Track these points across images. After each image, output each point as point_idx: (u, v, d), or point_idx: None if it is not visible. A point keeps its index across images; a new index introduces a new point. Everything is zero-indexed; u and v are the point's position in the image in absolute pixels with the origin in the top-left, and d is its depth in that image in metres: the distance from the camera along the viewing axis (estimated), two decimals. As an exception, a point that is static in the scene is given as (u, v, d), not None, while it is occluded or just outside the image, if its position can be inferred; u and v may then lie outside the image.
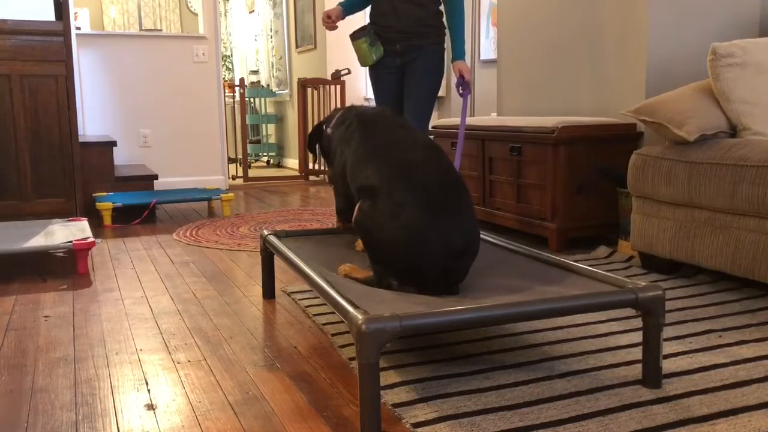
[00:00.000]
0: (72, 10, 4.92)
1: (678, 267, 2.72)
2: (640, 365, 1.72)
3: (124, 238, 3.73)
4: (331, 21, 3.15)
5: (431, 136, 4.09)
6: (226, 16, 10.28)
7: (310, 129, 6.49)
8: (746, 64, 2.53)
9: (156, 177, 4.67)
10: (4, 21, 3.69)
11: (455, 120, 3.84)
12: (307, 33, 7.22)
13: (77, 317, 2.30)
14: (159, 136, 5.59)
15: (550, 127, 3.10)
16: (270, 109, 8.55)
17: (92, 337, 2.10)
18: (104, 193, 4.37)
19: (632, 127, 3.22)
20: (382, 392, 1.62)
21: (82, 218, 3.50)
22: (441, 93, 6.35)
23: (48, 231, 3.15)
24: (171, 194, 4.46)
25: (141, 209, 4.26)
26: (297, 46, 7.58)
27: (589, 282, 1.77)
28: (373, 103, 4.32)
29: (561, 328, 2.08)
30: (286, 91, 7.90)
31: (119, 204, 4.09)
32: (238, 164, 7.21)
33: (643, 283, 1.63)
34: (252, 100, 8.38)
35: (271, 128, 8.48)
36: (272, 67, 8.44)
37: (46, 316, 2.32)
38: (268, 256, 2.43)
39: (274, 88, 8.33)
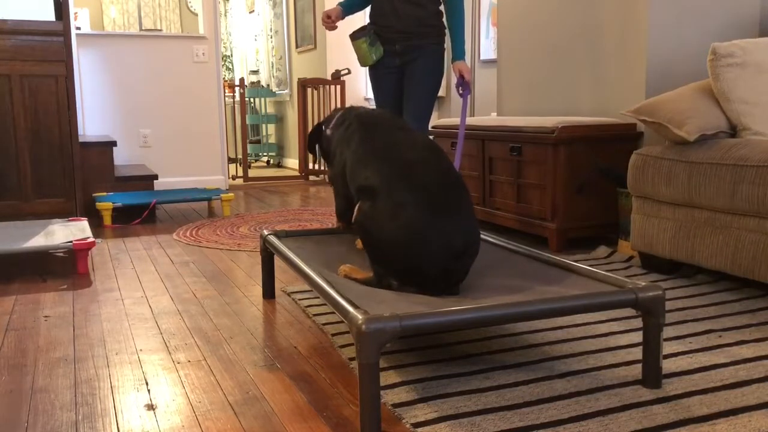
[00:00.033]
0: (72, 10, 4.92)
1: (678, 267, 2.72)
2: (640, 365, 1.72)
3: (124, 238, 3.73)
4: (330, 21, 3.15)
5: (431, 137, 4.09)
6: (226, 16, 10.29)
7: (310, 129, 6.50)
8: (746, 64, 2.53)
9: (156, 177, 4.67)
10: (4, 21, 3.69)
11: (455, 120, 3.84)
12: (307, 33, 7.22)
13: (77, 317, 2.30)
14: (159, 136, 5.59)
15: (550, 127, 3.10)
16: (270, 109, 8.55)
17: (92, 337, 2.10)
18: (104, 193, 4.37)
19: (632, 127, 3.22)
20: (382, 392, 1.62)
21: (82, 218, 3.50)
22: (441, 93, 6.35)
23: (48, 231, 3.15)
24: (171, 194, 4.46)
25: (141, 209, 4.26)
26: (297, 46, 7.58)
27: (589, 282, 1.77)
28: (373, 103, 4.32)
29: (561, 328, 2.08)
30: (286, 91, 7.90)
31: (119, 204, 4.09)
32: (238, 164, 7.21)
33: (643, 283, 1.63)
34: (252, 100, 8.38)
35: (271, 128, 8.48)
36: (272, 67, 8.44)
37: (46, 316, 2.32)
38: (268, 256, 2.43)
39: (274, 88, 8.33)
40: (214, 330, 2.15)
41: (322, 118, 6.43)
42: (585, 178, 3.14)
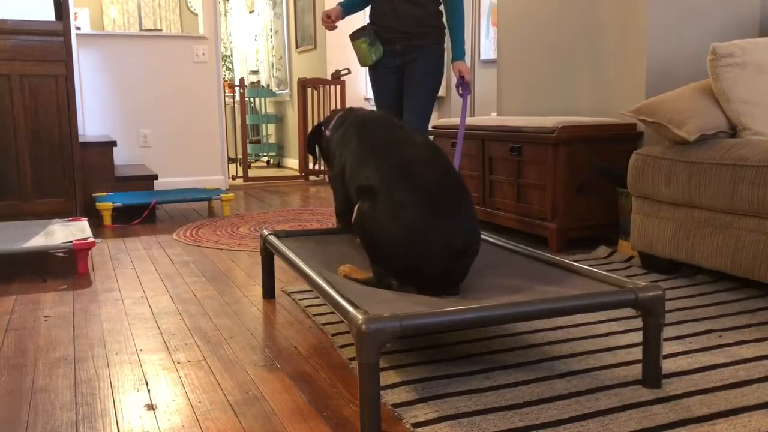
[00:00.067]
0: (72, 10, 4.92)
1: (678, 267, 2.72)
2: (640, 365, 1.72)
3: (124, 238, 3.73)
4: (330, 21, 3.15)
5: (431, 136, 4.09)
6: (226, 16, 10.29)
7: (310, 129, 6.50)
8: (746, 64, 2.53)
9: (156, 177, 4.67)
10: (4, 21, 3.69)
11: (455, 120, 3.84)
12: (307, 33, 7.22)
13: (77, 317, 2.30)
14: (159, 136, 5.59)
15: (550, 127, 3.10)
16: (270, 109, 8.55)
17: (92, 337, 2.10)
18: (104, 193, 4.37)
19: (632, 127, 3.22)
20: (382, 392, 1.62)
21: (82, 218, 3.50)
22: (441, 93, 6.35)
23: (48, 231, 3.15)
24: (171, 194, 4.46)
25: (141, 209, 4.26)
26: (297, 46, 7.58)
27: (589, 282, 1.77)
28: (372, 103, 4.32)
29: (561, 328, 2.08)
30: (286, 91, 7.90)
31: (119, 204, 4.09)
32: (238, 164, 7.21)
33: (643, 283, 1.63)
34: (252, 100, 8.38)
35: (271, 128, 8.48)
36: (272, 67, 8.44)
37: (46, 316, 2.32)
38: (268, 256, 2.43)
39: (274, 88, 8.33)
40: (214, 330, 2.15)
41: (322, 119, 6.45)
42: (585, 178, 3.14)
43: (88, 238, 2.95)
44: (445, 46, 3.22)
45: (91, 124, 5.41)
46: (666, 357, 1.81)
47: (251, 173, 6.75)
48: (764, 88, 2.51)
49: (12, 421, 1.53)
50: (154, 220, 4.31)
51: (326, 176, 6.25)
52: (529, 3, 4.01)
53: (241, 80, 6.54)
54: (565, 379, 1.68)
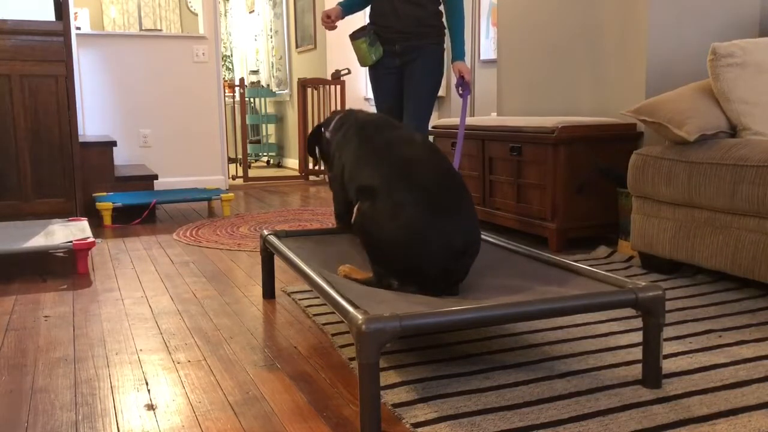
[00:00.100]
0: (72, 10, 4.92)
1: (678, 267, 2.72)
2: (640, 365, 1.72)
3: (124, 238, 3.73)
4: (330, 21, 3.15)
5: (431, 137, 4.09)
6: (226, 16, 10.29)
7: (310, 129, 6.51)
8: (746, 64, 2.53)
9: (156, 177, 4.67)
10: (4, 21, 3.69)
11: (455, 120, 3.84)
12: (307, 33, 7.22)
13: (77, 317, 2.30)
14: (159, 136, 5.59)
15: (550, 127, 3.10)
16: (270, 109, 8.55)
17: (92, 337, 2.10)
18: (104, 193, 4.37)
19: (632, 127, 3.22)
20: (382, 392, 1.62)
21: (82, 218, 3.50)
22: (441, 93, 6.35)
23: (48, 231, 3.15)
24: (171, 194, 4.46)
25: (141, 209, 4.27)
26: (297, 46, 7.58)
27: (589, 282, 1.77)
28: (372, 103, 4.32)
29: (561, 328, 2.08)
30: (286, 91, 7.90)
31: (119, 204, 4.09)
32: (238, 164, 7.21)
33: (643, 283, 1.63)
34: (252, 100, 8.38)
35: (271, 128, 8.48)
36: (272, 67, 8.44)
37: (46, 316, 2.32)
38: (268, 256, 2.43)
39: (274, 88, 8.33)
40: (214, 330, 2.15)
41: (322, 119, 6.46)
42: (585, 178, 3.14)
43: (88, 238, 2.95)
44: (445, 46, 3.22)
45: (91, 124, 5.41)
46: (666, 357, 1.81)
47: (251, 173, 6.75)
48: (764, 88, 2.51)
49: (12, 421, 1.53)
50: (154, 220, 4.31)
51: (326, 177, 6.25)
52: (529, 3, 4.01)
53: (241, 80, 6.54)
54: (565, 379, 1.68)
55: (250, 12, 9.24)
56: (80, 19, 8.16)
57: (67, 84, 3.84)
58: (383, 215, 1.78)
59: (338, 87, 6.38)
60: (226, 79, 9.74)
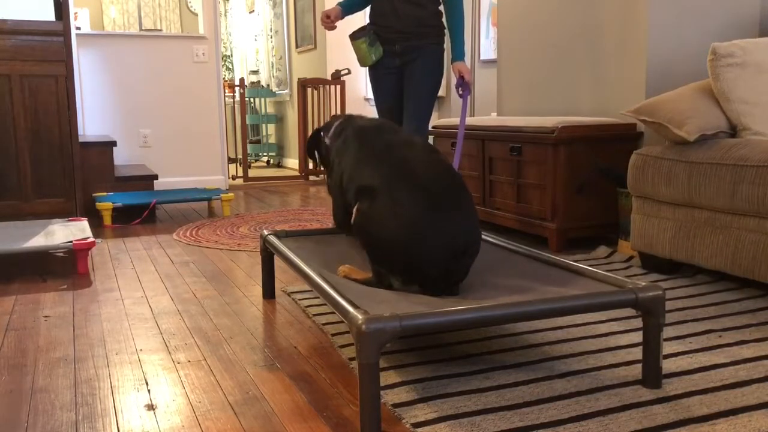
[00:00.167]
0: (72, 10, 4.92)
1: (678, 267, 2.72)
2: (640, 365, 1.72)
3: (124, 238, 3.73)
4: (330, 21, 3.15)
5: (431, 137, 4.09)
6: (226, 16, 10.29)
7: (310, 129, 6.51)
8: (746, 64, 2.53)
9: (156, 177, 4.67)
10: (4, 21, 3.69)
11: (455, 120, 3.84)
12: (307, 33, 7.22)
13: (77, 317, 2.30)
14: (159, 136, 5.59)
15: (550, 127, 3.10)
16: (270, 109, 8.55)
17: (92, 337, 2.10)
18: (104, 193, 4.38)
19: (632, 127, 3.22)
20: (382, 392, 1.62)
21: (82, 218, 3.50)
22: (441, 93, 6.35)
23: (48, 231, 3.15)
24: (171, 194, 4.46)
25: (141, 209, 4.27)
26: (297, 46, 7.58)
27: (589, 282, 1.77)
28: (372, 104, 4.32)
29: (561, 328, 2.08)
30: (286, 91, 7.90)
31: (119, 204, 4.09)
32: (238, 164, 7.21)
33: (643, 283, 1.63)
34: (252, 100, 8.38)
35: (271, 128, 8.48)
36: (272, 67, 8.44)
37: (46, 316, 2.32)
38: (268, 256, 2.43)
39: (274, 88, 8.33)
40: (214, 330, 2.15)
41: (322, 119, 6.46)
42: (585, 178, 3.14)
43: (88, 238, 2.95)
44: (445, 46, 3.22)
45: (91, 124, 5.41)
46: (666, 357, 1.81)
47: (251, 173, 6.75)
48: (764, 88, 2.51)
49: (12, 421, 1.53)
50: (154, 220, 4.31)
51: (326, 182, 6.25)
52: (529, 3, 4.01)
53: (241, 80, 6.54)
54: (565, 379, 1.68)
55: (250, 12, 9.25)
56: (80, 19, 8.16)
57: (67, 84, 3.84)
58: (383, 215, 1.78)
59: (338, 87, 6.38)
60: (226, 79, 9.74)
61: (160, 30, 9.08)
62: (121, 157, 5.39)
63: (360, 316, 1.38)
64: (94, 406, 1.61)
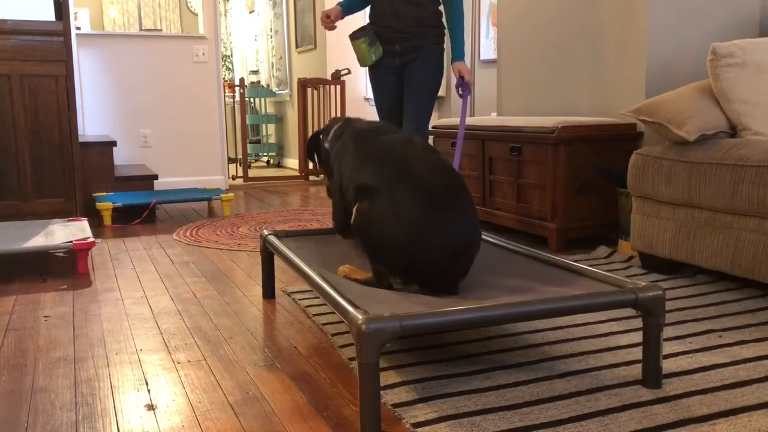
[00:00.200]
0: (72, 10, 4.92)
1: (678, 267, 2.72)
2: (640, 365, 1.72)
3: (124, 238, 3.73)
4: (330, 21, 3.15)
5: (431, 137, 4.09)
6: (226, 16, 10.29)
7: (310, 129, 6.51)
8: (746, 64, 2.53)
9: (156, 177, 4.67)
10: (4, 21, 3.69)
11: (455, 120, 3.84)
12: (307, 33, 7.22)
13: (77, 317, 2.30)
14: (159, 136, 5.59)
15: (550, 127, 3.10)
16: (270, 109, 8.55)
17: (92, 337, 2.10)
18: (104, 193, 4.38)
19: (632, 127, 3.22)
20: (382, 392, 1.62)
21: (82, 218, 3.50)
22: (441, 93, 6.35)
23: (48, 231, 3.15)
24: (171, 194, 4.46)
25: (141, 209, 4.26)
26: (297, 46, 7.58)
27: (589, 282, 1.77)
28: (373, 104, 4.32)
29: (561, 328, 2.08)
30: (286, 91, 7.90)
31: (119, 204, 4.09)
32: (238, 164, 7.21)
33: (643, 283, 1.63)
34: (252, 100, 8.38)
35: (271, 128, 8.48)
36: (272, 67, 8.44)
37: (46, 316, 2.32)
38: (268, 256, 2.43)
39: (274, 88, 8.33)
40: (214, 330, 2.15)
41: (322, 119, 6.46)
42: (585, 178, 3.14)
43: (88, 238, 2.95)
44: (445, 46, 3.22)
45: (91, 124, 5.41)
46: (666, 357, 1.81)
47: (251, 173, 6.75)
48: (764, 88, 2.51)
49: (12, 421, 1.53)
50: (154, 220, 4.31)
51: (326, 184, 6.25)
52: (529, 3, 4.01)
53: (241, 80, 6.54)
54: (565, 379, 1.68)
55: (250, 12, 9.25)
56: (80, 19, 8.16)
57: (67, 84, 3.84)
58: (383, 215, 1.78)
59: (338, 87, 6.38)
60: (226, 79, 9.74)
61: (160, 30, 9.08)
62: (121, 157, 5.39)
63: (360, 316, 1.38)
64: (94, 406, 1.61)
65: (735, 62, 2.52)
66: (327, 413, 1.55)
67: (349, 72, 6.34)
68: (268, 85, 8.60)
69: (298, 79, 6.51)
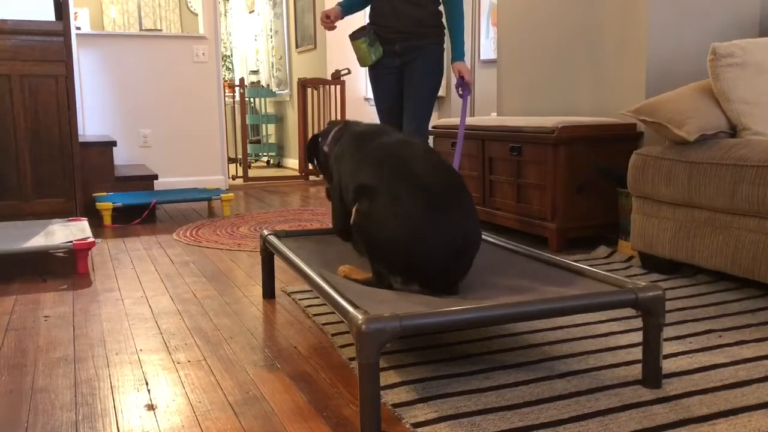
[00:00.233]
0: (72, 10, 4.92)
1: (678, 267, 2.72)
2: (640, 365, 1.72)
3: (124, 238, 3.73)
4: (330, 21, 3.15)
5: (431, 137, 4.09)
6: (226, 16, 10.29)
7: (310, 130, 6.51)
8: (746, 64, 2.53)
9: (156, 177, 4.67)
10: (4, 21, 3.69)
11: (455, 120, 3.84)
12: (307, 33, 7.22)
13: (77, 317, 2.30)
14: (159, 136, 5.59)
15: (550, 127, 3.10)
16: (270, 109, 8.55)
17: (92, 337, 2.10)
18: (104, 193, 4.38)
19: (632, 127, 3.22)
20: (382, 392, 1.62)
21: (82, 218, 3.50)
22: (441, 93, 6.35)
23: (48, 231, 3.15)
24: (171, 194, 4.46)
25: (141, 209, 4.26)
26: (297, 46, 7.58)
27: (589, 282, 1.77)
28: (373, 104, 4.31)
29: (561, 328, 2.08)
30: (286, 91, 7.90)
31: (119, 204, 4.09)
32: (238, 164, 7.21)
33: (643, 283, 1.63)
34: (252, 100, 8.38)
35: (271, 128, 8.48)
36: (272, 67, 8.44)
37: (46, 316, 2.32)
38: (268, 256, 2.43)
39: (274, 88, 8.33)
40: (214, 330, 2.15)
41: (322, 119, 6.46)
42: (585, 178, 3.14)
43: (88, 238, 2.95)
44: (445, 46, 3.22)
45: (91, 124, 5.41)
46: (666, 357, 1.81)
47: (251, 173, 6.75)
48: (764, 88, 2.51)
49: (12, 421, 1.53)
50: (154, 220, 4.31)
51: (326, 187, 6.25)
52: (529, 3, 4.01)
53: (241, 80, 6.54)
54: (565, 379, 1.68)
55: (250, 12, 9.25)
56: (80, 19, 8.16)
57: (67, 84, 3.84)
58: (383, 215, 1.78)
59: (338, 87, 6.38)
60: (226, 79, 9.74)
61: (160, 30, 9.08)
62: (121, 157, 5.39)
63: (360, 316, 1.38)
64: (94, 406, 1.61)
65: (735, 62, 2.52)
66: (327, 413, 1.55)
67: (349, 72, 6.34)
68: (268, 85, 8.60)
69: (298, 79, 6.51)
